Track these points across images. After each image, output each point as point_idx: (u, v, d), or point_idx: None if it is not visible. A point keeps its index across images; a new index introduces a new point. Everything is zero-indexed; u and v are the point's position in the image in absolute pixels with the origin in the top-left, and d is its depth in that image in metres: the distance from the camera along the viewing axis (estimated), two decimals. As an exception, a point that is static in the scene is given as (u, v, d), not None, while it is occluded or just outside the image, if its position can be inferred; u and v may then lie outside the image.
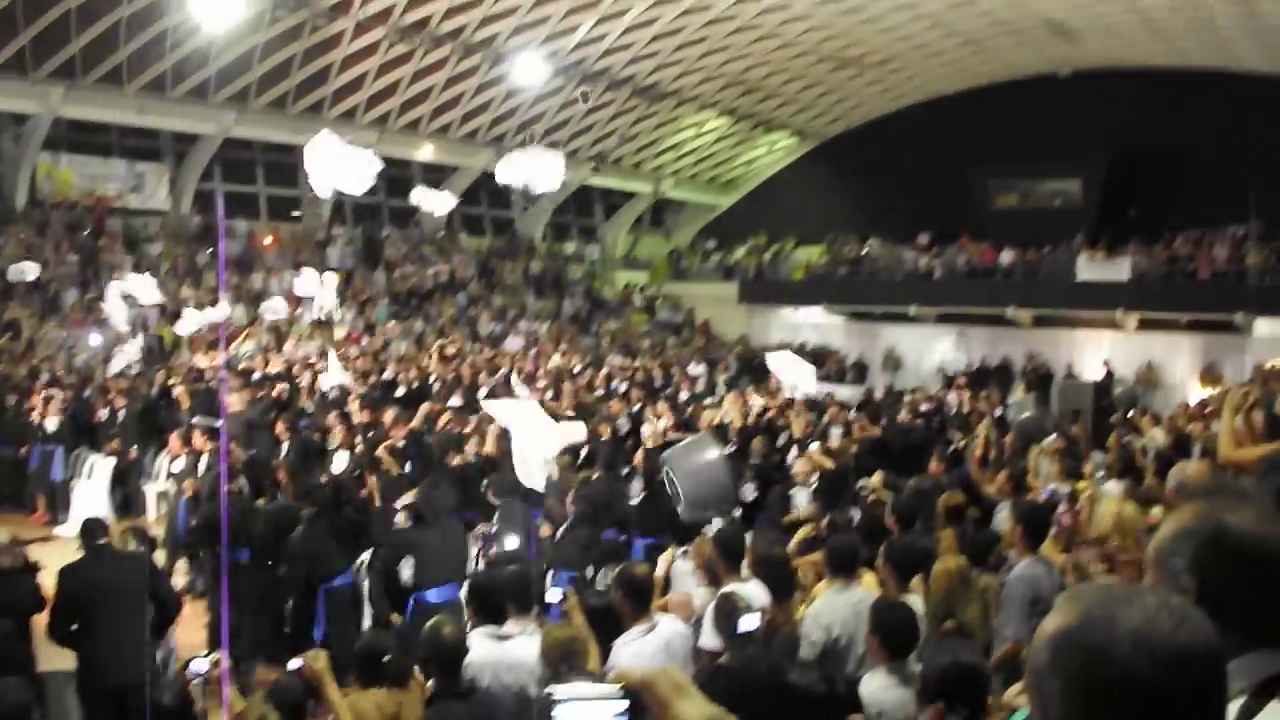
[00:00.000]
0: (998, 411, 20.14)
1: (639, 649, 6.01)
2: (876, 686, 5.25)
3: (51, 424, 16.61)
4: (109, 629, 7.12)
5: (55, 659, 7.48)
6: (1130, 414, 17.88)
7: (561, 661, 5.43)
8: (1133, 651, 1.45)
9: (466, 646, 5.54)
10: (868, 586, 6.94)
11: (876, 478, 11.34)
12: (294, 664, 5.57)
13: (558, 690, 1.41)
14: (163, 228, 30.36)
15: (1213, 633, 1.53)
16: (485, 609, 6.30)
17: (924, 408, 19.53)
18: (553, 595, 6.72)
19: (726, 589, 6.55)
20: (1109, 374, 27.36)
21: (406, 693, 5.58)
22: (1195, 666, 1.49)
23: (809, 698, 2.66)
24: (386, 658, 5.71)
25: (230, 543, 9.73)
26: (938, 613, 6.84)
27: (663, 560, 7.83)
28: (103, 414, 16.77)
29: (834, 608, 6.53)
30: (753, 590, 6.68)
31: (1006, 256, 32.72)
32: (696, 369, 27.08)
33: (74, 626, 7.27)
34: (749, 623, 5.97)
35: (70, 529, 14.61)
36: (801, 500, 11.77)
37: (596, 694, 1.40)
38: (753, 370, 28.95)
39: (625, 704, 1.38)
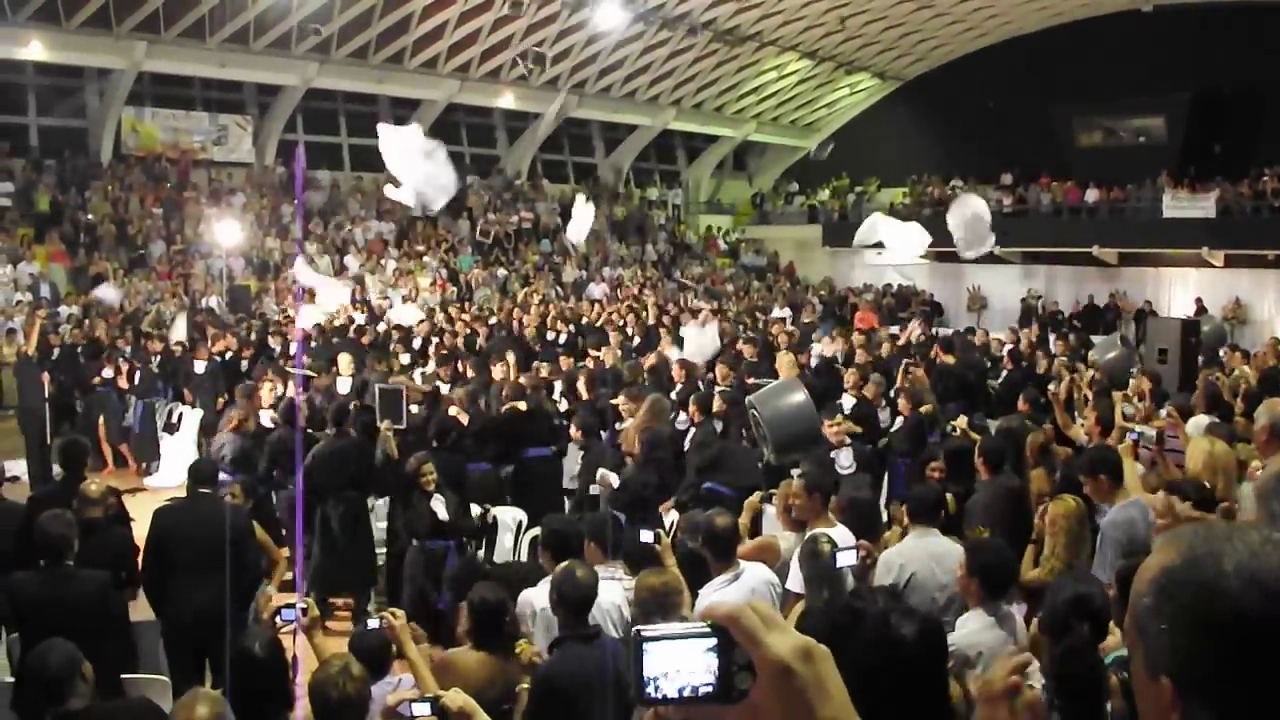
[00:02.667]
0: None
1: (724, 597, 5.99)
2: (976, 627, 5.22)
3: (133, 379, 16.82)
4: (194, 578, 7.14)
5: (149, 610, 7.55)
6: (1220, 352, 17.60)
7: (656, 608, 5.44)
8: (1242, 586, 1.42)
9: (596, 591, 5.52)
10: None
11: (962, 420, 11.28)
12: (373, 622, 5.63)
13: (646, 628, 1.42)
14: (247, 180, 30.65)
15: None
16: (562, 551, 6.31)
17: (1009, 347, 19.32)
18: (645, 536, 6.69)
19: (814, 531, 6.56)
20: (1199, 311, 26.92)
21: (510, 660, 5.55)
22: None
23: (909, 645, 2.66)
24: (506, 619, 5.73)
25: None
26: (1059, 554, 6.79)
27: (748, 506, 7.81)
28: (199, 366, 16.89)
29: (908, 551, 6.56)
30: (840, 534, 6.67)
31: (1091, 195, 32.35)
32: (780, 312, 26.95)
33: (160, 570, 7.40)
34: (847, 558, 5.99)
35: (160, 479, 14.90)
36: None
37: (684, 631, 1.41)
38: (836, 314, 28.86)
39: (714, 639, 1.39)
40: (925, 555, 6.44)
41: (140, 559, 7.52)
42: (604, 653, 5.31)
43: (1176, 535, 1.57)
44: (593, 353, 17.58)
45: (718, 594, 6.04)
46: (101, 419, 16.49)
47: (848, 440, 10.62)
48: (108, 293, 21.85)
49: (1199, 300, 28.20)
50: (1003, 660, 2.48)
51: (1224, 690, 1.42)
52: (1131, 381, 13.63)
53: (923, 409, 11.71)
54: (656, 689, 1.39)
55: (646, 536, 6.70)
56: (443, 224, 32.54)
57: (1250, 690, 1.41)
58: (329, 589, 10.10)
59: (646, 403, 10.95)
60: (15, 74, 27.57)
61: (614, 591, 6.24)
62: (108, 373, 16.80)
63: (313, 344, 17.72)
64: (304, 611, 5.55)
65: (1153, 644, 1.50)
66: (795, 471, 8.03)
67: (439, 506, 9.06)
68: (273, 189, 30.56)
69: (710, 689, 1.38)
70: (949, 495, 7.84)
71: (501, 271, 30.40)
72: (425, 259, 29.59)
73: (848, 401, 12.48)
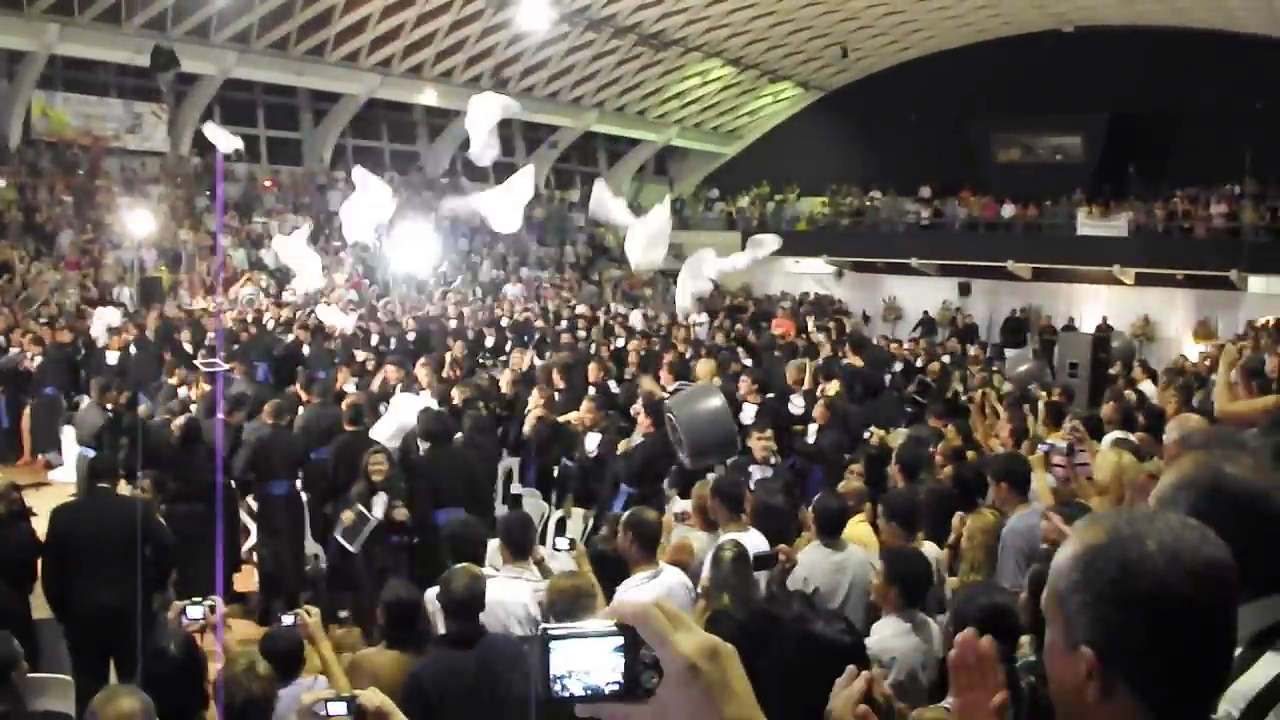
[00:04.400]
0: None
1: (641, 595, 6.01)
2: (888, 634, 5.27)
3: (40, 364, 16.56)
4: (98, 574, 7.08)
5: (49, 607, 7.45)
6: (1131, 369, 17.95)
7: (568, 610, 5.43)
8: (1165, 564, 1.50)
9: (483, 594, 5.49)
10: (857, 539, 6.99)
11: (879, 432, 11.37)
12: (288, 619, 5.56)
13: (552, 627, 1.40)
14: (161, 169, 30.20)
15: (1229, 551, 1.58)
16: (462, 552, 6.28)
17: (920, 360, 19.54)
18: (561, 543, 6.73)
19: (727, 536, 6.57)
20: (1103, 327, 27.38)
21: (423, 657, 5.52)
22: (1221, 580, 1.55)
23: (835, 648, 2.66)
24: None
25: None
26: (978, 567, 6.86)
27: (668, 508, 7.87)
28: (110, 358, 16.64)
29: (813, 562, 6.60)
30: (752, 538, 6.70)
31: (1008, 210, 32.90)
32: (699, 318, 27.03)
33: (62, 570, 7.26)
34: (765, 561, 6.05)
35: (64, 474, 14.64)
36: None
37: (591, 629, 1.39)
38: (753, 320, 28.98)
39: (620, 638, 1.37)
40: (829, 567, 6.51)
41: (42, 557, 7.40)
42: (484, 656, 5.28)
43: (1099, 517, 1.66)
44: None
45: (634, 592, 6.04)
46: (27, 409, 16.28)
47: (772, 460, 10.61)
48: None
49: (1104, 317, 28.69)
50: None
51: (1143, 661, 1.50)
52: (1043, 395, 13.82)
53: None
54: (563, 687, 1.38)
55: (562, 544, 6.72)
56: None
57: (1167, 661, 1.49)
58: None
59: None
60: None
61: (521, 592, 6.26)
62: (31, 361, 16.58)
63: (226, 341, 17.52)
64: (211, 609, 5.45)
65: (1074, 617, 1.57)
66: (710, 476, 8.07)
67: (377, 503, 9.01)
68: (187, 179, 30.13)
69: (617, 687, 1.38)
70: (869, 501, 7.98)
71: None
72: (341, 255, 29.31)
73: (748, 410, 12.54)
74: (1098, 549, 1.55)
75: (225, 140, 15.81)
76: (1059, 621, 1.59)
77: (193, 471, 9.90)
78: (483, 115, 11.56)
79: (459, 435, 10.61)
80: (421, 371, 14.10)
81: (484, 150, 11.53)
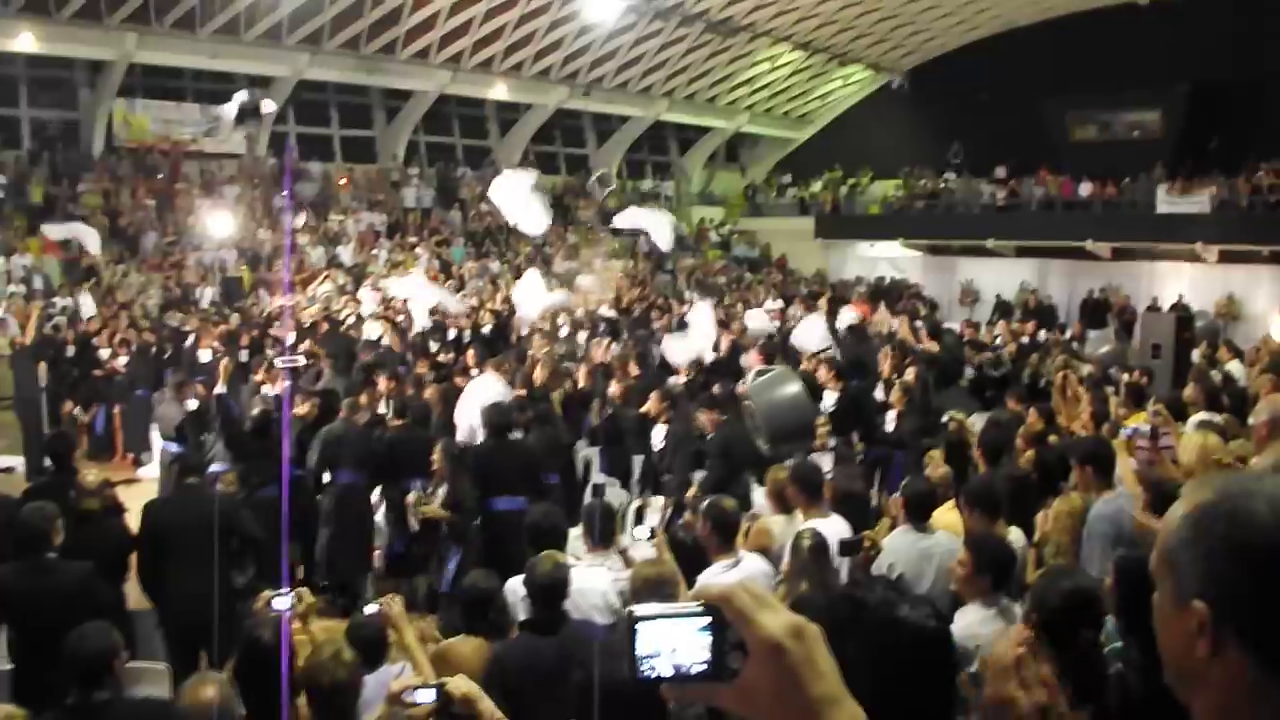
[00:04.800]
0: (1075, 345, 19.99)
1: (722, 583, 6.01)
2: (973, 620, 5.23)
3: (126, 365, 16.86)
4: (187, 566, 7.25)
5: (146, 599, 7.66)
6: (1216, 348, 17.63)
7: (651, 597, 5.45)
8: (1276, 517, 1.50)
9: (566, 581, 5.54)
10: (947, 526, 6.92)
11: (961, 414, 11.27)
12: (370, 609, 5.63)
13: (639, 608, 1.43)
14: (239, 171, 30.59)
15: None
16: (542, 540, 6.33)
17: (1000, 340, 19.36)
18: (641, 532, 6.74)
19: (807, 523, 6.57)
20: (1183, 306, 26.91)
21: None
22: None
23: (921, 633, 2.65)
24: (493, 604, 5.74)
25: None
26: (1063, 551, 6.79)
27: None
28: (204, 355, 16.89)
29: (898, 547, 6.56)
30: (834, 525, 6.68)
31: (1085, 189, 32.39)
32: (773, 304, 26.93)
33: (155, 563, 7.45)
34: (849, 547, 6.04)
35: (152, 470, 14.88)
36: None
37: (677, 610, 1.42)
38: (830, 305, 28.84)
39: (706, 619, 1.39)
40: (913, 553, 6.46)
41: (135, 550, 7.58)
42: (565, 643, 5.33)
43: (1207, 480, 1.68)
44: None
45: (716, 579, 6.05)
46: (118, 410, 16.58)
47: (830, 443, 10.57)
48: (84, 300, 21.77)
49: (1180, 296, 28.15)
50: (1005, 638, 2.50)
51: (1253, 613, 1.49)
52: (1125, 376, 13.64)
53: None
54: (650, 668, 1.40)
55: (642, 533, 6.74)
56: (435, 215, 32.55)
57: (1277, 613, 1.47)
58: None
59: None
60: (7, 66, 27.46)
61: (602, 579, 6.29)
62: (120, 362, 16.86)
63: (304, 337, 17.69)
64: (299, 598, 5.53)
65: (1185, 572, 1.56)
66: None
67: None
68: (264, 180, 30.50)
69: (703, 667, 1.39)
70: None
71: (494, 264, 30.33)
72: (417, 250, 29.52)
73: (829, 397, 12.45)
74: (1207, 505, 1.56)
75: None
76: (1169, 580, 1.59)
77: (270, 460, 10.13)
78: (509, 194, 12.14)
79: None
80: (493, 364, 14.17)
81: (530, 222, 12.17)
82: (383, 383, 12.68)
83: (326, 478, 10.43)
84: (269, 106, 15.75)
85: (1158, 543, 1.65)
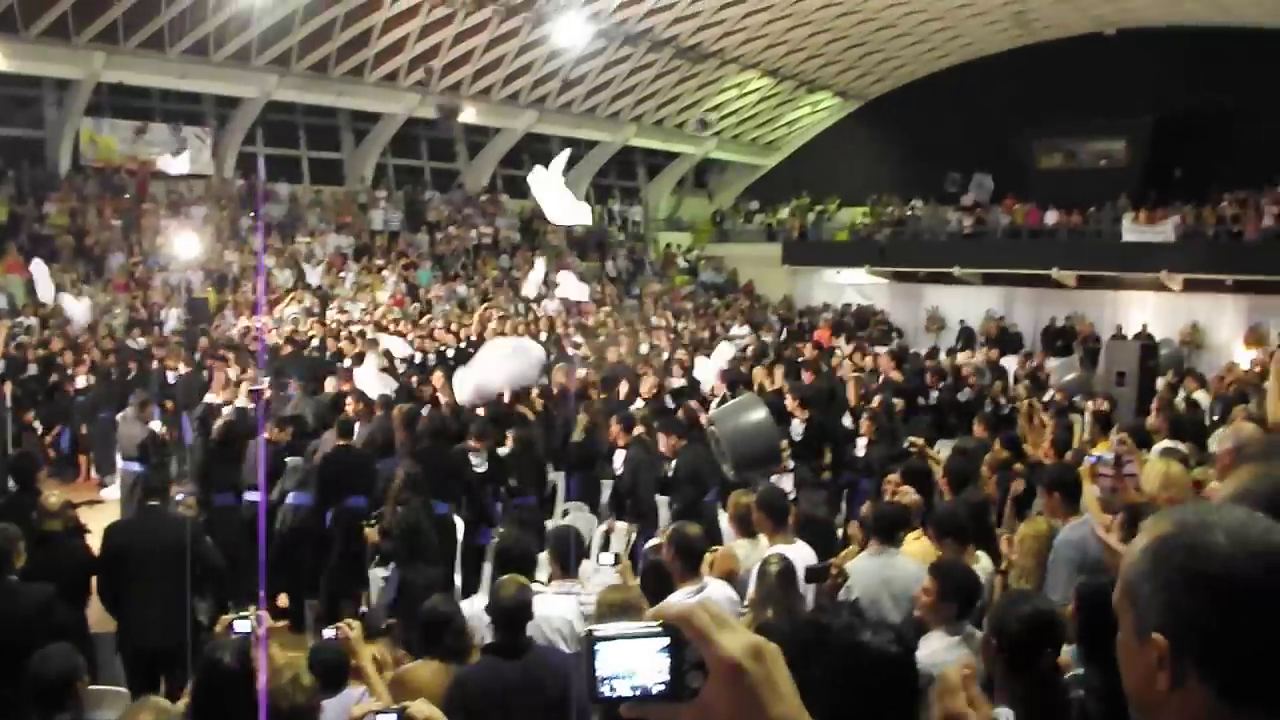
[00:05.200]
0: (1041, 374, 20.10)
1: (685, 605, 6.02)
2: (938, 647, 5.20)
3: (86, 386, 16.79)
4: (148, 589, 7.23)
5: (108, 621, 7.62)
6: (1181, 376, 17.78)
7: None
8: (1231, 548, 1.51)
9: (529, 605, 5.52)
10: (912, 553, 6.91)
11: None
12: (329, 632, 5.61)
13: (598, 628, 1.42)
14: (206, 191, 30.48)
15: None
16: (511, 567, 6.29)
17: (966, 370, 19.45)
18: (606, 558, 6.75)
19: (773, 549, 6.57)
20: (1147, 335, 27.08)
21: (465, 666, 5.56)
22: None
23: (883, 658, 2.65)
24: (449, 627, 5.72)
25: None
26: (1028, 576, 6.82)
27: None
28: (171, 377, 16.84)
29: (861, 570, 6.55)
30: (800, 551, 6.69)
31: (1051, 217, 32.61)
32: (740, 330, 27.02)
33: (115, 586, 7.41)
34: (808, 562, 6.04)
35: (114, 492, 14.78)
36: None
37: (636, 630, 1.41)
38: (796, 332, 28.93)
39: (666, 639, 1.39)
40: (876, 578, 6.45)
41: (96, 572, 7.53)
42: (530, 667, 5.31)
43: (1167, 511, 1.69)
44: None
45: (679, 603, 6.05)
46: (84, 429, 16.51)
47: (789, 465, 10.61)
48: (73, 306, 21.55)
49: (1144, 325, 28.31)
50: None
51: (1212, 645, 1.50)
52: (1089, 404, 13.72)
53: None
54: (610, 688, 1.39)
55: (606, 559, 6.73)
56: (403, 238, 32.51)
57: (1235, 645, 1.49)
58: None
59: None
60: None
61: (567, 606, 6.28)
62: (81, 382, 16.75)
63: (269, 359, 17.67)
64: (259, 621, 5.50)
65: (1144, 605, 1.58)
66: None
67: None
68: (232, 201, 30.40)
69: (662, 688, 1.39)
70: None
71: (461, 287, 30.31)
72: (384, 273, 29.48)
73: (796, 427, 12.46)
74: (1166, 537, 1.57)
75: None
76: (1130, 614, 1.60)
77: (231, 472, 10.19)
78: (546, 183, 12.52)
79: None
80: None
81: (568, 212, 12.65)
82: (350, 405, 12.66)
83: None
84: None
85: (1120, 575, 1.66)
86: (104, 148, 29.65)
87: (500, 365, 12.61)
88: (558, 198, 13.61)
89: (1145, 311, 29.51)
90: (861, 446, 12.18)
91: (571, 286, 19.51)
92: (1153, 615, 1.54)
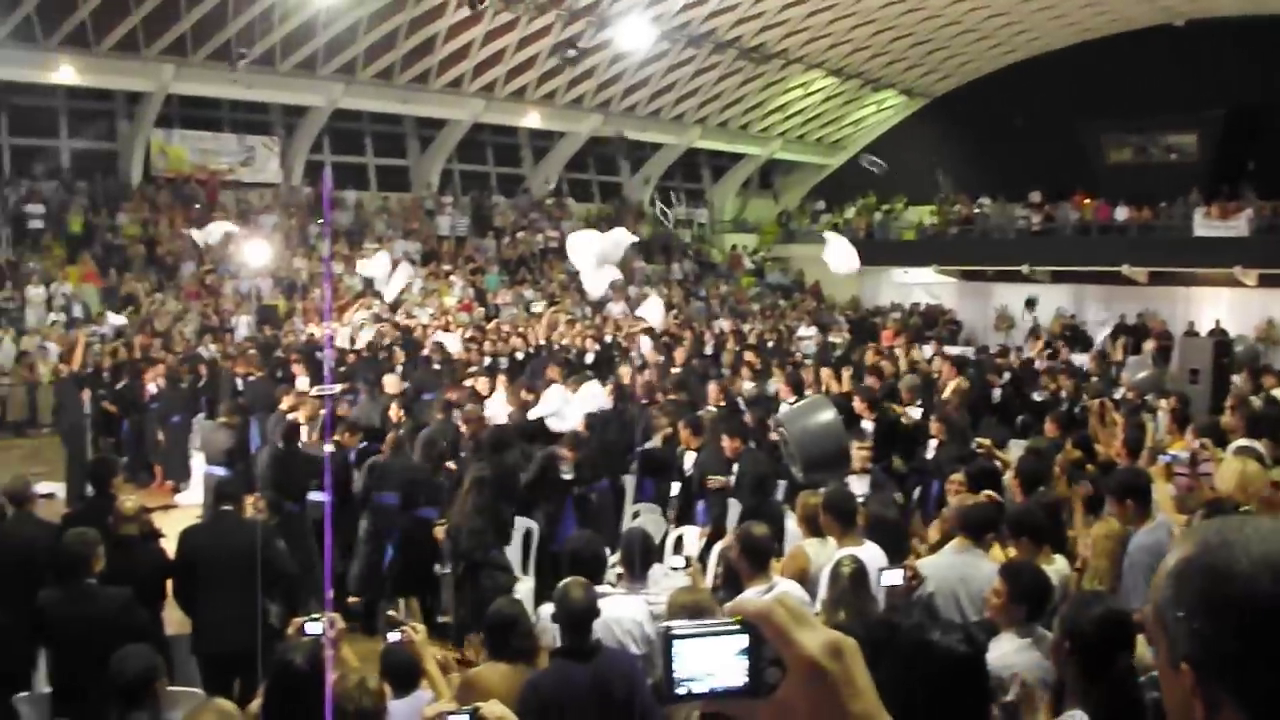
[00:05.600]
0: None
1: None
2: (1007, 649, 5.13)
3: (159, 392, 17.01)
4: (222, 593, 7.30)
5: (184, 624, 7.71)
6: (1258, 373, 17.46)
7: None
8: (1253, 569, 1.42)
9: (597, 608, 5.52)
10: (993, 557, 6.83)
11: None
12: (394, 635, 5.63)
13: (675, 625, 1.42)
14: (275, 200, 30.81)
15: None
16: (582, 567, 6.29)
17: (1040, 365, 19.26)
18: (676, 561, 6.74)
19: (842, 551, 6.53)
20: (1223, 330, 26.69)
21: (534, 669, 5.53)
22: None
23: (951, 657, 2.62)
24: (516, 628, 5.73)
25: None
26: (1102, 576, 6.72)
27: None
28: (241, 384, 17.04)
29: (939, 566, 6.49)
30: (870, 552, 6.64)
31: (1121, 213, 32.22)
32: (807, 331, 26.92)
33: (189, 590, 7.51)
34: (892, 578, 5.97)
35: (191, 497, 14.97)
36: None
37: (714, 628, 1.41)
38: (863, 332, 28.76)
39: (743, 636, 1.38)
40: (953, 576, 6.37)
41: (172, 576, 7.63)
42: (599, 669, 5.31)
43: (1192, 530, 1.61)
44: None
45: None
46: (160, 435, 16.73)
47: (868, 468, 10.51)
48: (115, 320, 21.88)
49: (1217, 321, 27.90)
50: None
51: (1240, 671, 1.42)
52: (1161, 403, 13.53)
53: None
54: (686, 686, 1.39)
55: (677, 562, 6.72)
56: (470, 243, 32.68)
57: (1266, 670, 1.41)
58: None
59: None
60: (47, 98, 27.86)
61: (637, 608, 6.26)
62: (153, 389, 16.99)
63: (340, 364, 17.80)
64: (331, 624, 5.54)
65: (1172, 633, 1.50)
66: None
67: None
68: (299, 209, 30.71)
69: (740, 685, 1.38)
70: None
71: (528, 291, 30.42)
72: (452, 278, 29.65)
73: (867, 425, 12.37)
74: (1188, 559, 1.49)
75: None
76: (1162, 640, 1.53)
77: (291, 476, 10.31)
78: (582, 249, 12.75)
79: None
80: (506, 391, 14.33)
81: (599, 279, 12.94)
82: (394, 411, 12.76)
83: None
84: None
85: (1150, 600, 1.60)
86: (174, 158, 30.08)
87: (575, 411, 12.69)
88: (594, 263, 13.69)
89: (1219, 307, 29.08)
90: (931, 448, 12.06)
91: (654, 310, 19.63)
92: (1181, 643, 1.46)
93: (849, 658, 1.37)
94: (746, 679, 1.38)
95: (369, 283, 26.53)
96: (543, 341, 21.30)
